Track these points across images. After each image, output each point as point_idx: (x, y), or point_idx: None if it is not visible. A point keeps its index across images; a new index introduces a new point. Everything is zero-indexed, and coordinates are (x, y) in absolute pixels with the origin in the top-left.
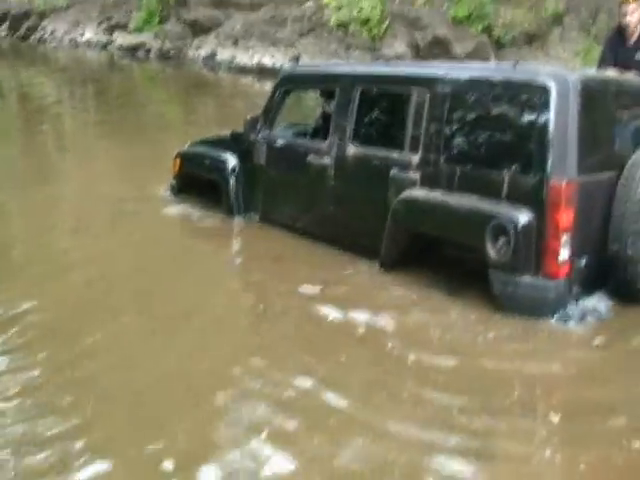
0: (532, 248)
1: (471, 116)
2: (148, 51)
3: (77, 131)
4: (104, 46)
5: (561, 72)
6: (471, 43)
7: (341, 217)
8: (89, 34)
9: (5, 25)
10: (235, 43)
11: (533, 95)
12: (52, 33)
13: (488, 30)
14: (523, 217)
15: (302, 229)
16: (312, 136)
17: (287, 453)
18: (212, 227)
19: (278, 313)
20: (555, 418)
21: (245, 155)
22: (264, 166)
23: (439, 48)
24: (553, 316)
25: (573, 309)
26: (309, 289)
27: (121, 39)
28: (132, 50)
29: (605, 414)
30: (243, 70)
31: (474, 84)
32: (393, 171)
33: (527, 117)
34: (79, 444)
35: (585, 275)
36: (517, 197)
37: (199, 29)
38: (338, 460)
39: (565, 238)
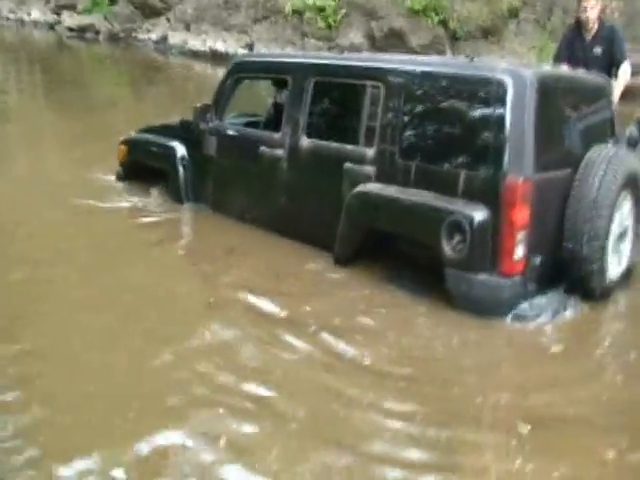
0: (488, 246)
1: (427, 111)
2: (97, 33)
3: (23, 109)
4: (51, 26)
5: (517, 68)
6: (427, 35)
7: (294, 210)
8: (36, 14)
9: None
10: (187, 27)
11: (489, 91)
12: None
13: (444, 23)
14: (479, 214)
15: (254, 221)
16: (264, 127)
17: (240, 463)
18: (160, 217)
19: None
20: (521, 429)
21: (195, 144)
22: (214, 156)
23: (395, 39)
24: (508, 314)
25: (527, 308)
26: (260, 283)
27: (69, 20)
28: (81, 31)
29: (572, 424)
30: (195, 55)
31: (430, 78)
32: (347, 165)
33: (483, 113)
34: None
35: (540, 273)
36: (473, 194)
37: (150, 12)
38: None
39: (520, 236)
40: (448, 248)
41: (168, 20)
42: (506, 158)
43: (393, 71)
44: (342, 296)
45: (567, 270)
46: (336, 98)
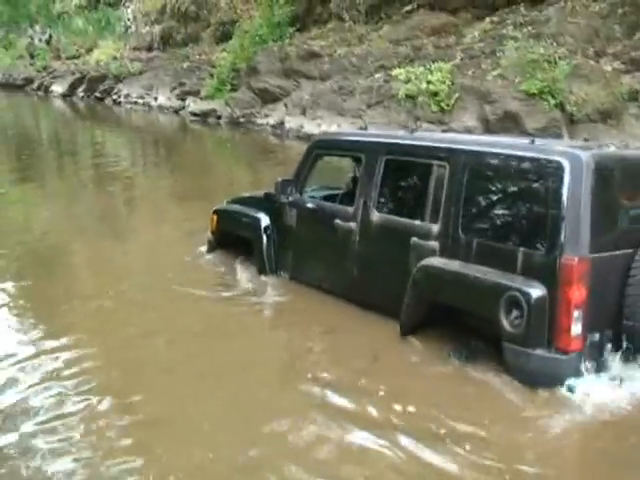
0: (545, 322)
1: (488, 190)
2: (219, 117)
3: (147, 190)
4: (176, 111)
5: (575, 150)
6: (543, 119)
7: (365, 280)
8: (162, 99)
9: (82, 87)
10: (303, 112)
11: (547, 172)
12: (127, 96)
13: (561, 106)
14: (536, 292)
15: (328, 289)
16: (342, 200)
17: None
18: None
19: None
20: None
21: (277, 215)
22: (294, 227)
23: (510, 122)
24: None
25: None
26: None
27: (193, 105)
28: (203, 116)
29: None
30: (310, 139)
31: (491, 158)
32: (414, 239)
33: (541, 193)
34: None
35: (599, 349)
36: (531, 272)
37: (268, 98)
38: None
39: (577, 314)
40: (506, 323)
41: (285, 106)
42: (562, 238)
43: (457, 151)
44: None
45: (629, 345)
46: (405, 175)
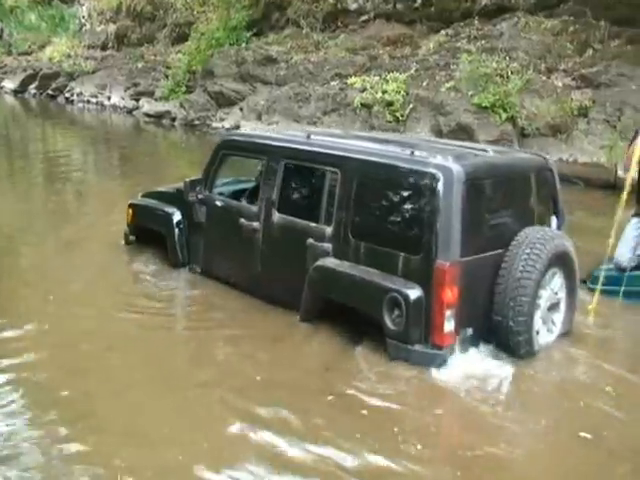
0: (421, 320)
1: (373, 197)
2: (173, 119)
3: (92, 189)
4: (130, 111)
5: (448, 162)
6: (495, 131)
7: (267, 276)
8: (115, 98)
9: (35, 84)
10: (259, 117)
11: (423, 184)
12: (79, 94)
13: (512, 119)
14: (414, 293)
15: (236, 284)
16: (249, 196)
17: None
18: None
19: None
20: None
21: (188, 211)
22: (203, 224)
23: (462, 134)
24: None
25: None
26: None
27: (147, 106)
28: (157, 117)
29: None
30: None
31: (376, 167)
32: (310, 240)
33: (418, 202)
34: None
35: (471, 341)
36: (410, 275)
37: (224, 101)
38: None
39: (449, 313)
40: (389, 321)
41: (241, 110)
42: (435, 245)
43: (347, 159)
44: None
45: (496, 339)
46: (302, 179)
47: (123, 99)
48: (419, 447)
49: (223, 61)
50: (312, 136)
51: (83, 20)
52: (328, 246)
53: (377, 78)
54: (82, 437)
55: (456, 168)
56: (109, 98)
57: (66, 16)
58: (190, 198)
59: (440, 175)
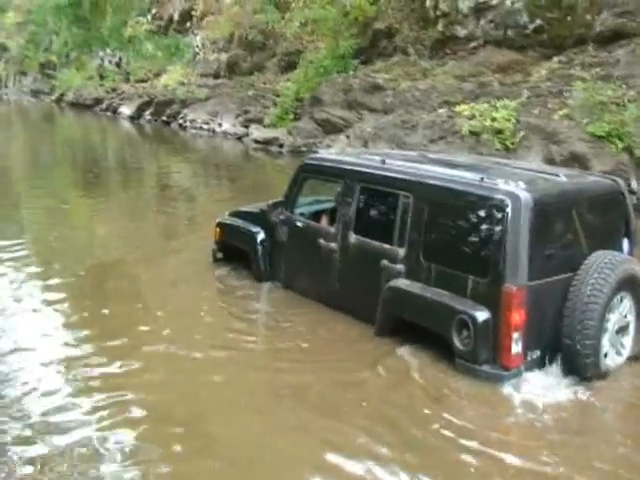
0: (490, 342)
1: (444, 220)
2: (281, 145)
3: (203, 210)
4: (239, 138)
5: (517, 189)
6: (610, 162)
7: (344, 293)
8: (226, 125)
9: (150, 110)
10: (365, 144)
11: (492, 210)
12: (192, 121)
13: (629, 149)
14: (482, 315)
15: (315, 299)
16: (326, 219)
17: None
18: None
19: None
20: None
21: (271, 230)
22: (285, 243)
23: (576, 164)
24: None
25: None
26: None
27: (256, 132)
28: (266, 143)
29: None
30: None
31: (447, 192)
32: (384, 262)
33: (487, 228)
34: None
35: (539, 363)
36: (478, 297)
37: (330, 128)
38: None
39: (517, 335)
40: (458, 342)
41: (347, 137)
42: (504, 269)
43: (418, 183)
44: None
45: (565, 359)
46: (377, 202)
47: (234, 126)
48: None
49: (330, 89)
50: (387, 160)
51: (197, 49)
52: (401, 267)
53: (486, 105)
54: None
55: (524, 195)
56: (220, 125)
57: (181, 45)
58: (273, 218)
59: (509, 201)
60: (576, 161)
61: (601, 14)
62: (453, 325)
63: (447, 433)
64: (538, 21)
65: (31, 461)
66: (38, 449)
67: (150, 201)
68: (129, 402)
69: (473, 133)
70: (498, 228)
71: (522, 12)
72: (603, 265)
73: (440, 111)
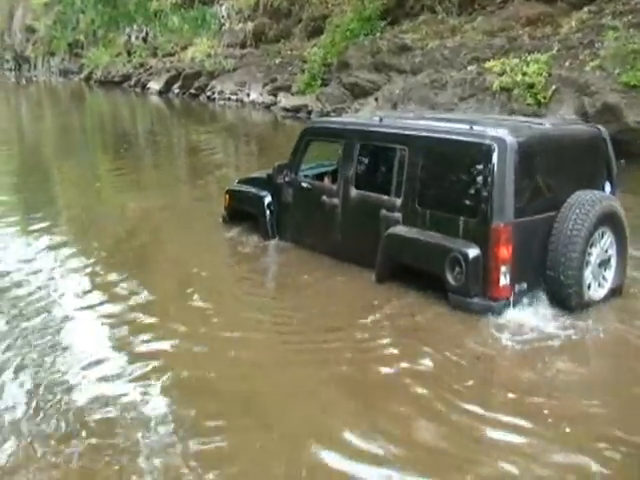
0: (480, 276)
1: (436, 169)
2: (309, 112)
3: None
4: (268, 107)
5: (504, 135)
6: None
7: (347, 244)
8: (254, 95)
9: (178, 84)
10: (394, 106)
11: (480, 154)
12: (220, 92)
13: None
14: (473, 252)
15: (321, 251)
16: (329, 178)
17: None
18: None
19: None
20: None
21: (277, 193)
22: (291, 203)
23: (609, 115)
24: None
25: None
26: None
27: (284, 100)
28: (294, 111)
29: None
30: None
31: (438, 143)
32: (383, 211)
33: (475, 171)
34: None
35: (526, 294)
36: (469, 236)
37: (359, 92)
38: None
39: (504, 269)
40: (451, 278)
41: (376, 100)
42: (491, 208)
43: (413, 137)
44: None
45: (549, 292)
46: (375, 158)
47: (261, 95)
48: None
49: (358, 52)
50: (384, 119)
51: (222, 20)
52: (398, 215)
53: (517, 60)
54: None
55: (509, 139)
56: (248, 95)
57: (207, 17)
58: (278, 181)
59: (495, 146)
60: (610, 112)
61: None
62: (446, 263)
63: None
64: None
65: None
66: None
67: (181, 175)
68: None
69: (504, 89)
70: (486, 171)
71: None
72: (584, 202)
73: (470, 68)
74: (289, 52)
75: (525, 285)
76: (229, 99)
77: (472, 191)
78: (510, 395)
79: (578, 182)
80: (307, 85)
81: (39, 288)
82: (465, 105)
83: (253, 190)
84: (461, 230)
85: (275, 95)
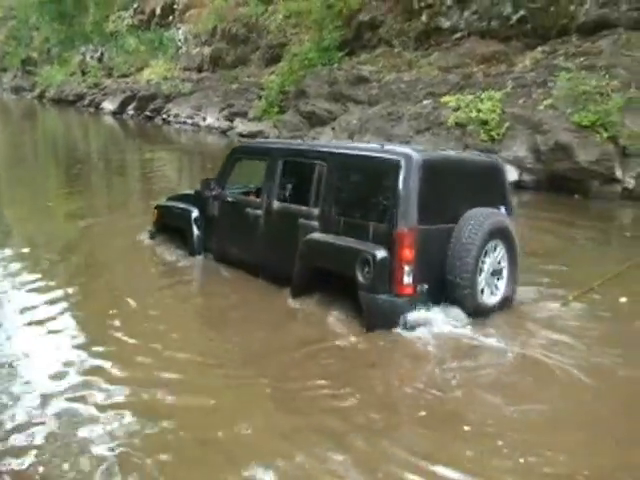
0: (386, 275)
1: (351, 181)
2: (266, 138)
3: None
4: (224, 132)
5: (410, 152)
6: (595, 151)
7: (268, 253)
8: (210, 119)
9: (133, 105)
10: (351, 136)
11: (389, 168)
12: (176, 116)
13: (614, 139)
14: (380, 253)
15: (243, 260)
16: (253, 194)
17: None
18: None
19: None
20: None
21: (204, 207)
22: (216, 217)
23: (561, 154)
24: (400, 323)
25: (413, 320)
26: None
27: (241, 126)
28: (251, 137)
29: None
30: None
31: (354, 159)
32: (301, 220)
33: (385, 184)
34: None
35: (427, 296)
36: (378, 239)
37: (316, 121)
38: None
39: (408, 269)
40: (361, 277)
41: (333, 129)
42: (397, 214)
43: (332, 153)
44: None
45: (449, 294)
46: (296, 172)
47: (218, 120)
48: None
49: (315, 81)
50: (305, 140)
51: (179, 43)
52: (316, 223)
53: (471, 96)
54: None
55: (415, 155)
56: (204, 119)
57: (164, 39)
58: (206, 194)
59: (402, 161)
60: (562, 151)
61: (584, 4)
62: (357, 263)
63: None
64: (522, 12)
65: None
66: None
67: (133, 195)
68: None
69: (459, 124)
70: (394, 182)
71: (506, 3)
72: (478, 216)
73: (425, 102)
74: (246, 78)
75: (426, 286)
76: (185, 122)
77: (381, 200)
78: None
79: (475, 201)
80: (264, 112)
81: None
82: (421, 138)
83: (181, 205)
84: (371, 234)
85: (231, 120)
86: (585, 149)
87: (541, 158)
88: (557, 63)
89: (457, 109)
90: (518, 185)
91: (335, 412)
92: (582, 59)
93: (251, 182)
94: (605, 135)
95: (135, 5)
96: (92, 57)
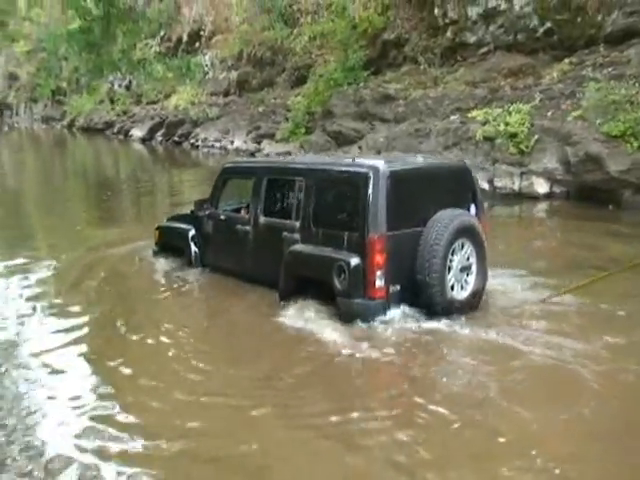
0: (360, 280)
1: (327, 194)
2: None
3: None
4: (252, 154)
5: (379, 164)
6: (626, 160)
7: (256, 265)
8: (238, 142)
9: (161, 131)
10: (378, 154)
11: (359, 180)
12: (204, 140)
13: None
14: (354, 260)
15: (235, 272)
16: (246, 211)
17: None
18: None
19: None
20: None
21: (200, 226)
22: (210, 234)
23: (592, 165)
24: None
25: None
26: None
27: (268, 147)
28: None
29: None
30: None
31: (327, 174)
32: (285, 233)
33: (356, 194)
34: None
35: (400, 296)
36: (352, 248)
37: (343, 140)
38: None
39: (379, 273)
40: (337, 283)
41: (360, 148)
42: (367, 223)
43: (309, 169)
44: None
45: (419, 294)
46: (279, 188)
47: (245, 142)
48: None
49: (341, 101)
50: (287, 158)
51: (206, 69)
52: (297, 236)
53: (499, 110)
54: None
55: (382, 167)
56: (232, 142)
57: (191, 65)
58: (200, 214)
59: (371, 173)
60: (592, 162)
61: (611, 14)
62: (334, 271)
63: None
64: (548, 24)
65: None
66: None
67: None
68: None
69: (487, 138)
70: (364, 193)
71: (532, 15)
72: (444, 218)
73: (453, 118)
74: (273, 100)
75: (398, 287)
76: (212, 146)
77: (353, 210)
78: None
79: (444, 203)
80: (291, 133)
81: None
82: (449, 153)
83: (179, 225)
84: (345, 243)
85: (259, 142)
86: (615, 159)
87: (571, 169)
88: (585, 74)
89: (485, 123)
90: (549, 196)
91: None
92: (610, 69)
93: (244, 198)
94: (636, 144)
95: (162, 33)
96: (120, 85)
